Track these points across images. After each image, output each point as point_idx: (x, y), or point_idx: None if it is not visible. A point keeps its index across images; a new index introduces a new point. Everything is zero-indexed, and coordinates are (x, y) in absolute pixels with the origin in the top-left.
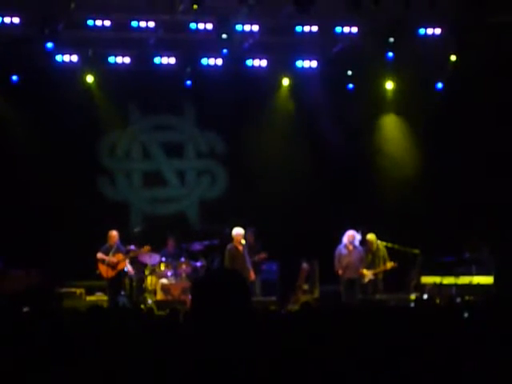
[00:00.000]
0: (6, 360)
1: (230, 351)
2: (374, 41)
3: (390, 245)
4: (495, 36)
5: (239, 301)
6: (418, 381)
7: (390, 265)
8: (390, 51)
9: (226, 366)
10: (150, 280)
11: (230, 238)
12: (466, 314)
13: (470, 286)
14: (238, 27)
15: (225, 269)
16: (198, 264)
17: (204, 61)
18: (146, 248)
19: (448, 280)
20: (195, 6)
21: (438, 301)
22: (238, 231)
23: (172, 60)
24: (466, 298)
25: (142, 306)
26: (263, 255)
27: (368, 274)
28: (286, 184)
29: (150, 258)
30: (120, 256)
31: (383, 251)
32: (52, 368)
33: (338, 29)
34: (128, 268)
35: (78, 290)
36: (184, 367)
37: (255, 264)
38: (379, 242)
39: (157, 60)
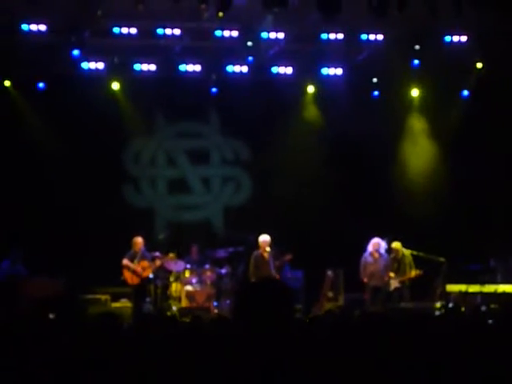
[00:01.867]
0: (32, 365)
1: (270, 358)
2: (399, 48)
3: (415, 253)
4: None
5: (283, 310)
6: None
7: (415, 273)
8: (416, 58)
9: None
10: (174, 287)
11: (256, 245)
12: (490, 321)
13: (495, 295)
14: (264, 35)
15: (270, 278)
16: (223, 271)
17: (229, 68)
18: (171, 256)
19: (473, 288)
20: (221, 14)
21: (463, 309)
22: (264, 238)
23: (197, 67)
24: (492, 306)
25: (169, 313)
26: (288, 257)
27: (394, 282)
28: (311, 191)
29: (175, 265)
30: (145, 263)
31: (409, 259)
32: (77, 374)
33: (364, 36)
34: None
35: (103, 297)
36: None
37: (279, 269)
38: (404, 249)
39: (182, 67)
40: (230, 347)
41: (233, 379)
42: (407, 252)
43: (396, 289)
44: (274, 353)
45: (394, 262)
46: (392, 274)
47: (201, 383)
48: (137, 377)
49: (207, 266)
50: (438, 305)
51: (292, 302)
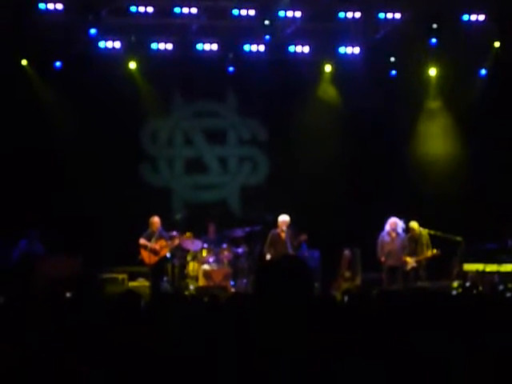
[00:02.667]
0: (48, 344)
1: (289, 337)
2: (417, 27)
3: (432, 232)
4: None
5: (303, 286)
6: (458, 366)
7: (432, 252)
8: (434, 37)
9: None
10: (191, 266)
11: (274, 224)
12: (508, 295)
13: None
14: (281, 13)
15: (288, 255)
16: (240, 250)
17: (246, 47)
18: (188, 235)
19: (491, 267)
20: None
21: (480, 288)
22: (283, 218)
23: (214, 46)
24: (509, 285)
25: (186, 292)
26: (304, 237)
27: (411, 261)
28: (327, 171)
29: (192, 244)
30: (163, 242)
31: (426, 238)
32: (93, 353)
33: (381, 15)
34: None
35: (120, 276)
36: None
37: (296, 249)
38: (422, 229)
39: (199, 46)
40: (247, 324)
41: (250, 356)
42: (424, 231)
43: (413, 268)
44: (293, 330)
45: (411, 241)
46: (408, 258)
47: (218, 361)
48: (154, 355)
49: (224, 246)
50: (456, 284)
51: (311, 278)
